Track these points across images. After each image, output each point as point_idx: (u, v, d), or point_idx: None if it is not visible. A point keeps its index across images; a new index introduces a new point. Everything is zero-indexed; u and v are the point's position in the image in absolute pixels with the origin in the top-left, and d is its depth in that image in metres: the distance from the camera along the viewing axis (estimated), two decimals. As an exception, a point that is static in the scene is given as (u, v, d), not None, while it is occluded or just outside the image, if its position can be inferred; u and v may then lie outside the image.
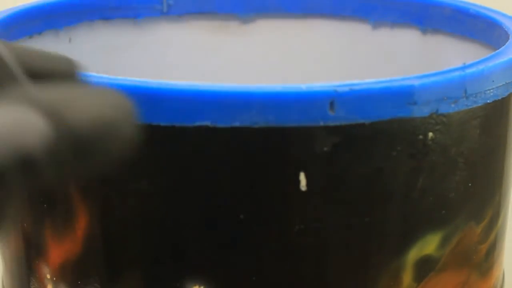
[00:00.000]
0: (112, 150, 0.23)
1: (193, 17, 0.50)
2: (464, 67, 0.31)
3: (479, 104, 0.32)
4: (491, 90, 0.32)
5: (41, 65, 0.25)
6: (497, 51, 0.34)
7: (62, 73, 0.26)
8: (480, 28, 0.43)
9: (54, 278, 0.34)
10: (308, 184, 0.30)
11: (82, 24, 0.47)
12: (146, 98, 0.29)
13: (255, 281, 0.31)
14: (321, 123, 0.29)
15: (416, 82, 0.30)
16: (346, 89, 0.29)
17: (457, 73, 0.31)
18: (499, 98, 0.33)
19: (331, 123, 0.29)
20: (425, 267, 0.33)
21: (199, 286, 0.31)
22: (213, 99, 0.28)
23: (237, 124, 0.28)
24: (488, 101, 0.32)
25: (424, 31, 0.47)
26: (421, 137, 0.31)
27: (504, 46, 0.35)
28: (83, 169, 0.23)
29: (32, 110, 0.22)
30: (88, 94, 0.23)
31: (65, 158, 0.22)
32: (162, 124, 0.29)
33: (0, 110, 0.21)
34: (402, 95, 0.29)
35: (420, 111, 0.30)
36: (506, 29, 0.39)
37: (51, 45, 0.45)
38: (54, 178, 0.22)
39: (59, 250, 0.33)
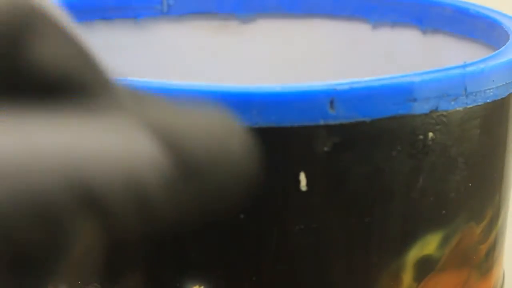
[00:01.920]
0: (229, 179, 0.19)
1: (193, 17, 0.50)
2: (465, 66, 0.31)
3: (479, 104, 0.32)
4: (491, 90, 0.32)
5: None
6: (498, 51, 0.34)
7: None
8: (480, 28, 0.43)
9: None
10: (308, 184, 0.30)
11: (82, 24, 0.47)
12: (146, 97, 0.29)
13: (255, 281, 0.31)
14: (322, 122, 0.29)
15: (416, 79, 0.30)
16: (346, 87, 0.29)
17: (457, 71, 0.31)
18: (499, 98, 0.33)
19: (332, 122, 0.29)
20: (425, 267, 0.33)
21: (199, 286, 0.31)
22: (213, 99, 0.28)
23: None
24: (488, 101, 0.32)
25: (424, 31, 0.47)
26: (421, 137, 0.31)
27: (505, 46, 0.35)
28: (197, 203, 0.19)
29: (145, 133, 0.18)
30: (192, 113, 0.19)
31: (181, 194, 0.19)
32: (162, 123, 0.29)
33: (108, 131, 0.17)
34: (403, 91, 0.29)
35: (420, 108, 0.30)
36: (506, 29, 0.39)
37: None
38: (168, 218, 0.19)
39: (59, 250, 0.33)
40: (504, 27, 0.40)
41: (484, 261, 0.36)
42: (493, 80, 0.32)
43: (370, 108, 0.29)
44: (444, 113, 0.31)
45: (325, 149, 0.29)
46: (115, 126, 0.17)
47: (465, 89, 0.31)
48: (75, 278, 0.34)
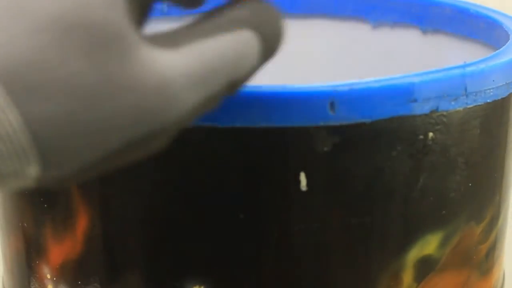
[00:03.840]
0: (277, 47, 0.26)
1: (193, 17, 0.50)
2: (465, 66, 0.31)
3: (479, 104, 0.32)
4: (491, 90, 0.32)
5: None
6: (498, 51, 0.34)
7: None
8: (481, 28, 0.43)
9: (54, 278, 0.34)
10: (308, 184, 0.30)
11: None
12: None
13: (255, 281, 0.31)
14: (322, 123, 0.29)
15: (416, 79, 0.30)
16: (346, 88, 0.29)
17: (457, 71, 0.31)
18: (499, 98, 0.33)
19: (332, 123, 0.29)
20: (425, 267, 0.33)
21: (199, 286, 0.31)
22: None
23: (237, 124, 0.28)
24: (488, 101, 0.32)
25: (424, 31, 0.47)
26: (421, 137, 0.31)
27: (505, 46, 0.35)
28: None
29: (249, 31, 0.24)
30: (266, 7, 0.25)
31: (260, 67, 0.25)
32: (162, 124, 0.29)
33: (230, 36, 0.23)
34: (403, 92, 0.29)
35: (421, 109, 0.30)
36: (506, 29, 0.39)
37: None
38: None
39: (59, 250, 0.33)
40: (504, 27, 0.40)
41: (484, 261, 0.36)
42: (493, 80, 0.32)
43: (370, 109, 0.29)
44: (444, 113, 0.31)
45: (325, 149, 0.29)
46: (236, 30, 0.24)
47: (465, 89, 0.31)
48: (76, 278, 0.34)
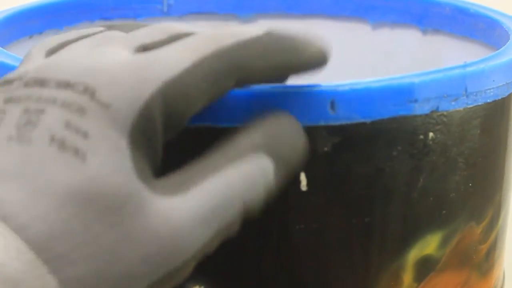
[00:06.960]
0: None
1: (194, 17, 0.50)
2: (465, 66, 0.31)
3: (480, 104, 0.32)
4: (492, 90, 0.32)
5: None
6: (498, 50, 0.34)
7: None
8: (481, 28, 0.43)
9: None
10: (308, 184, 0.30)
11: (82, 24, 0.47)
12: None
13: (255, 281, 0.31)
14: (322, 123, 0.29)
15: (416, 80, 0.30)
16: (347, 88, 0.29)
17: (457, 71, 0.31)
18: (500, 98, 0.33)
19: (332, 123, 0.29)
20: (425, 267, 0.33)
21: (199, 286, 0.31)
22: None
23: (238, 124, 0.28)
24: (489, 101, 0.32)
25: (424, 31, 0.47)
26: (421, 137, 0.31)
27: (505, 46, 0.35)
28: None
29: (262, 155, 0.25)
30: (281, 125, 0.26)
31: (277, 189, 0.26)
32: (162, 124, 0.29)
33: (242, 165, 0.24)
34: (403, 92, 0.29)
35: (421, 109, 0.30)
36: (506, 29, 0.39)
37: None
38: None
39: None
40: (504, 27, 0.40)
41: (484, 261, 0.36)
42: (493, 80, 0.32)
43: (371, 109, 0.29)
44: (445, 113, 0.31)
45: (326, 149, 0.29)
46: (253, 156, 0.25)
47: (466, 89, 0.31)
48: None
